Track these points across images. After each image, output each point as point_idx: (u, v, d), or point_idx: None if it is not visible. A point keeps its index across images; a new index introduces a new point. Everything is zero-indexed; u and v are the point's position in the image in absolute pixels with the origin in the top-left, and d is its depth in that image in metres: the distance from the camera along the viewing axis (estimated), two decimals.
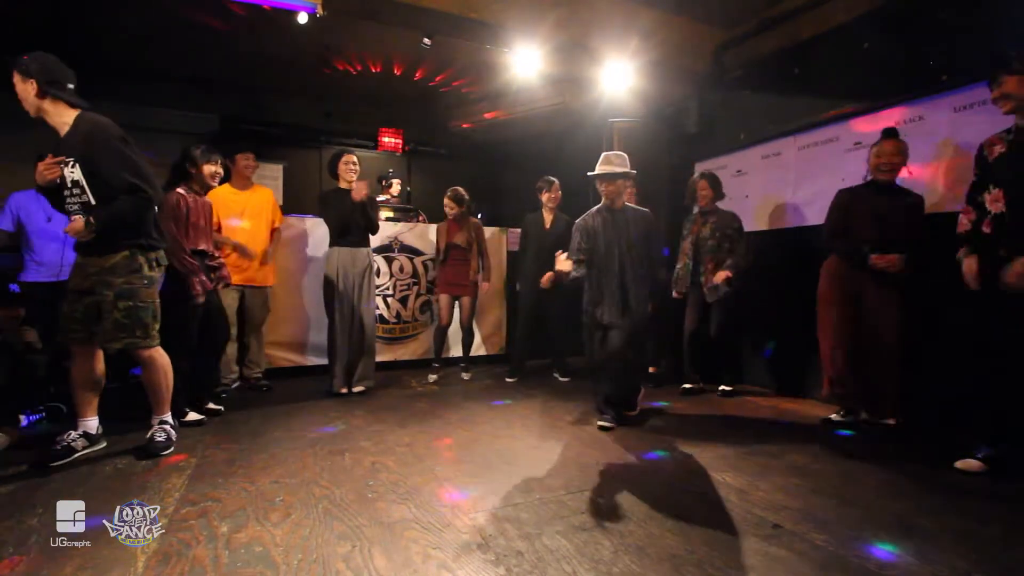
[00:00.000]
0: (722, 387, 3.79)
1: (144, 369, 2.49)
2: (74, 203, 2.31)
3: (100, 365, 2.46)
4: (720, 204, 3.81)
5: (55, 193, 2.32)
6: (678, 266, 3.84)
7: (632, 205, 3.16)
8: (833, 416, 3.07)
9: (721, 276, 3.52)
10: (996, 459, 2.26)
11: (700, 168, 4.61)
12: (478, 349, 4.99)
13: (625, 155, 3.04)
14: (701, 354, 3.83)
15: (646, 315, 3.04)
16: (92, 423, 2.49)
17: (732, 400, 3.68)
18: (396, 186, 4.26)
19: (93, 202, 2.29)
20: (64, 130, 2.29)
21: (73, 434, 2.42)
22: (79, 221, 2.24)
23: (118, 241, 2.33)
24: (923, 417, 2.89)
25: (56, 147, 2.29)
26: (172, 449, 2.51)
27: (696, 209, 3.84)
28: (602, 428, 2.94)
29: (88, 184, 2.28)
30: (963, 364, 2.76)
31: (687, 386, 3.86)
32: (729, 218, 3.71)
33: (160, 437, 2.49)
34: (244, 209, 3.72)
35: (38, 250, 3.26)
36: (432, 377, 4.20)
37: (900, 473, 2.32)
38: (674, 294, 3.89)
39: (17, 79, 2.23)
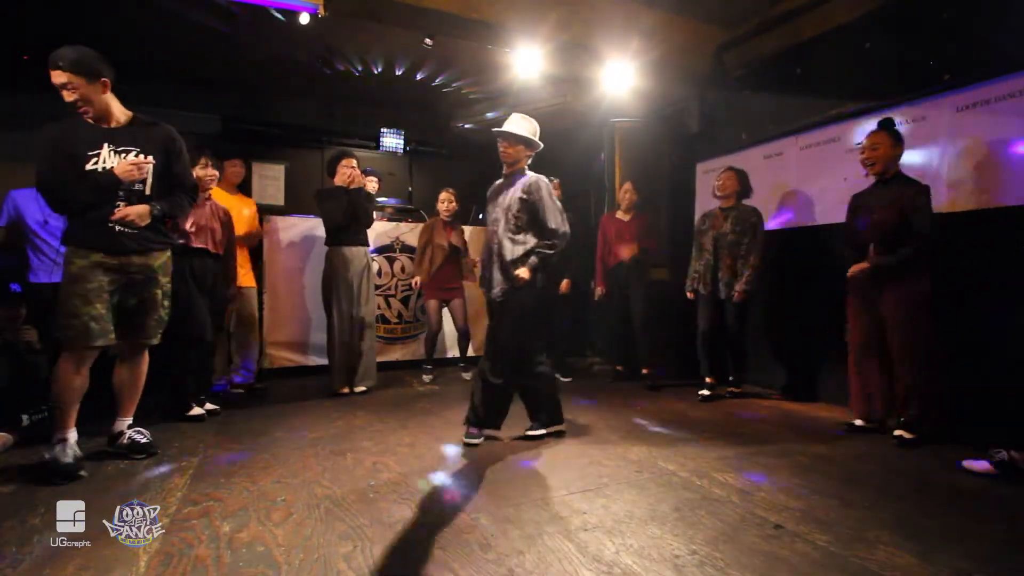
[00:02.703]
0: (730, 389, 3.77)
1: (140, 364, 2.50)
2: (122, 191, 2.26)
3: None
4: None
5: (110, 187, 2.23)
6: (698, 264, 3.74)
7: (530, 172, 2.73)
8: (857, 422, 2.94)
9: (739, 293, 3.49)
10: (1008, 463, 2.23)
11: (702, 168, 4.61)
12: (479, 349, 4.99)
13: (535, 123, 2.70)
14: (717, 354, 3.76)
15: (527, 294, 2.62)
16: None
17: (735, 401, 3.67)
18: (374, 184, 4.22)
19: (148, 192, 2.33)
20: (114, 123, 2.30)
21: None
22: (143, 206, 2.27)
23: (165, 239, 2.43)
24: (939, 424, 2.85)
25: (109, 138, 2.25)
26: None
27: (717, 204, 3.76)
28: (467, 444, 2.63)
29: (151, 179, 2.34)
30: (972, 365, 2.76)
31: (704, 392, 3.70)
32: (749, 212, 3.62)
33: (144, 439, 2.48)
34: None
35: (44, 249, 3.26)
36: (426, 379, 4.20)
37: (902, 474, 2.31)
38: (688, 294, 3.84)
39: (80, 82, 2.16)
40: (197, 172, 3.04)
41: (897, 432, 2.71)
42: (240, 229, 3.76)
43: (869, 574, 1.52)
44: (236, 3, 3.34)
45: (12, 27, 3.77)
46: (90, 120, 2.26)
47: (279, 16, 3.47)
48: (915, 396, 2.64)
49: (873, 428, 2.90)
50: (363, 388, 3.73)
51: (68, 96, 2.18)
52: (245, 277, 3.81)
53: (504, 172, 2.77)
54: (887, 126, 2.79)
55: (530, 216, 2.64)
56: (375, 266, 4.51)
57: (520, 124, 2.67)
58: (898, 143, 2.75)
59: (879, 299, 2.75)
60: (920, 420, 2.65)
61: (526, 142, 2.68)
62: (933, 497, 2.06)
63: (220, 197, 3.72)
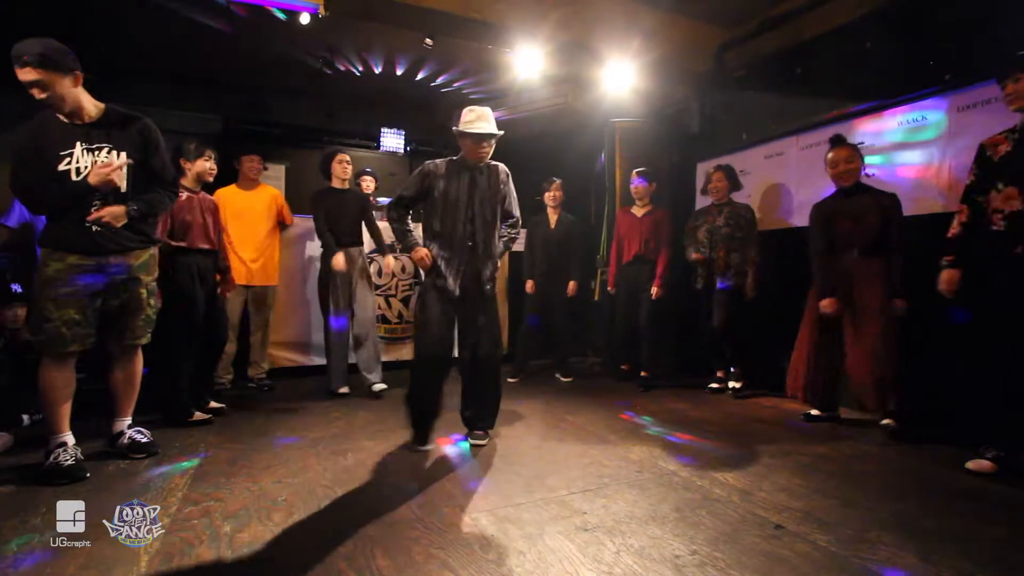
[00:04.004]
0: (732, 384, 3.75)
1: (134, 363, 2.48)
2: (98, 192, 2.18)
3: None
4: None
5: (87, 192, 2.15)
6: (693, 256, 3.81)
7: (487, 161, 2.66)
8: (812, 412, 3.13)
9: (750, 292, 3.61)
10: (1006, 459, 2.25)
11: (702, 168, 4.60)
12: None
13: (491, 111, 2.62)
14: (720, 348, 3.84)
15: (494, 291, 2.69)
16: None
17: (735, 401, 3.66)
18: (371, 183, 4.20)
19: (123, 190, 2.24)
20: (88, 118, 2.20)
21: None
22: (118, 207, 2.19)
23: (145, 237, 2.36)
24: (926, 418, 2.88)
25: (81, 136, 2.17)
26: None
27: (710, 201, 3.85)
28: (417, 450, 2.56)
29: (128, 174, 2.25)
30: (966, 364, 2.76)
31: (714, 386, 3.88)
32: (743, 209, 3.74)
33: (144, 438, 2.47)
34: (246, 210, 3.75)
35: None
36: None
37: (903, 474, 2.31)
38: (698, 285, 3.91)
39: (53, 79, 2.05)
40: (202, 164, 3.03)
41: (884, 421, 2.84)
42: (275, 219, 3.89)
43: (870, 574, 1.52)
44: (236, 3, 3.34)
45: (11, 27, 3.76)
46: (61, 117, 2.17)
47: (280, 16, 3.47)
48: (891, 388, 2.75)
49: (828, 417, 3.11)
50: (383, 386, 3.70)
51: (38, 95, 2.05)
52: (263, 274, 3.82)
53: (467, 163, 2.60)
54: (845, 141, 2.98)
55: (501, 206, 2.67)
56: (373, 266, 4.51)
57: (492, 119, 2.57)
58: (861, 154, 2.98)
59: (852, 295, 2.88)
60: (897, 410, 2.77)
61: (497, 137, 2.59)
62: (934, 497, 2.06)
63: (237, 192, 3.75)
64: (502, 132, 2.57)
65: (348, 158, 3.75)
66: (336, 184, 3.72)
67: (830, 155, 2.99)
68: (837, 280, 2.95)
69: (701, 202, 4.39)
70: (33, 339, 2.16)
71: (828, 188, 3.31)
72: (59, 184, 2.13)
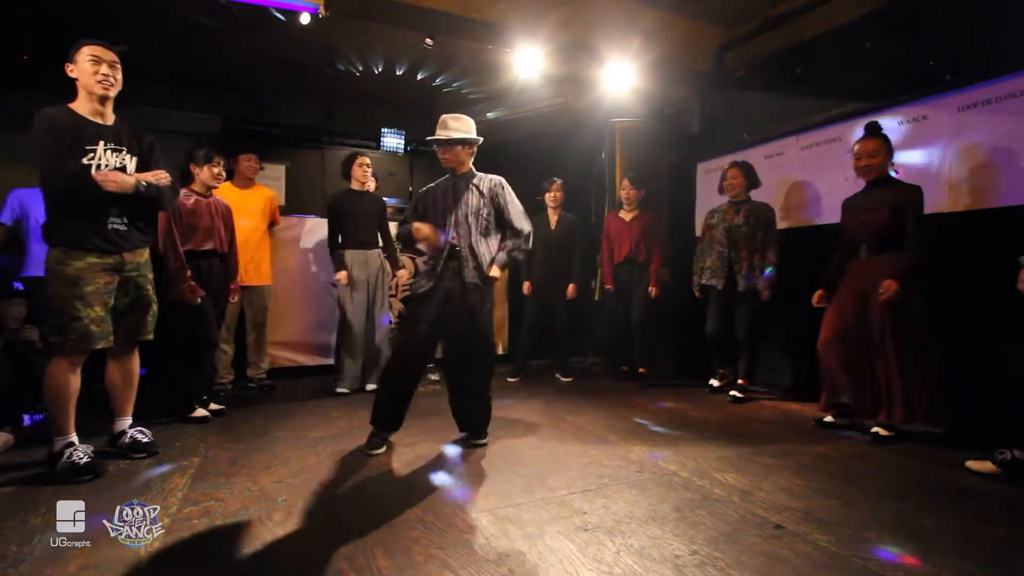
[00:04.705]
0: (733, 393, 3.66)
1: (133, 362, 2.49)
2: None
3: None
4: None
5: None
6: (708, 260, 3.71)
7: (483, 173, 2.68)
8: (827, 418, 3.02)
9: (765, 293, 3.52)
10: (1012, 462, 2.22)
11: (703, 168, 4.61)
12: None
13: (468, 119, 2.62)
14: (727, 352, 3.77)
15: (490, 296, 2.64)
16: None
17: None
18: (371, 184, 4.21)
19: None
20: (105, 121, 2.29)
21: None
22: (129, 177, 2.23)
23: (146, 236, 2.41)
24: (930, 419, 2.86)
25: (103, 135, 2.24)
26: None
27: (720, 202, 3.77)
28: (370, 454, 2.52)
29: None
30: (970, 364, 2.76)
31: (715, 383, 3.85)
32: (763, 207, 3.63)
33: (146, 438, 2.48)
34: (241, 208, 3.75)
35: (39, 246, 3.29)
36: (433, 377, 4.21)
37: (903, 474, 2.31)
38: (696, 293, 3.83)
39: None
40: (209, 170, 3.06)
41: (874, 429, 2.73)
42: (268, 220, 3.92)
43: (870, 574, 1.52)
44: (236, 3, 3.34)
45: (12, 27, 3.77)
46: (83, 113, 2.23)
47: (280, 16, 3.47)
48: (901, 393, 2.65)
49: (844, 425, 2.96)
50: (374, 387, 3.75)
51: (114, 73, 2.24)
52: (257, 274, 3.82)
53: (452, 172, 2.66)
54: (879, 132, 2.83)
55: (496, 217, 2.63)
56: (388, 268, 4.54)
57: (451, 126, 2.58)
58: (891, 147, 2.82)
59: (870, 295, 2.76)
60: (904, 417, 2.66)
61: (462, 143, 2.59)
62: (934, 497, 2.06)
63: (233, 191, 3.77)
64: (461, 137, 2.56)
65: (368, 161, 3.80)
66: (355, 186, 3.78)
67: (856, 146, 2.87)
68: (851, 279, 2.87)
69: (704, 202, 4.39)
70: (58, 340, 2.13)
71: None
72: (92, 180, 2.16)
